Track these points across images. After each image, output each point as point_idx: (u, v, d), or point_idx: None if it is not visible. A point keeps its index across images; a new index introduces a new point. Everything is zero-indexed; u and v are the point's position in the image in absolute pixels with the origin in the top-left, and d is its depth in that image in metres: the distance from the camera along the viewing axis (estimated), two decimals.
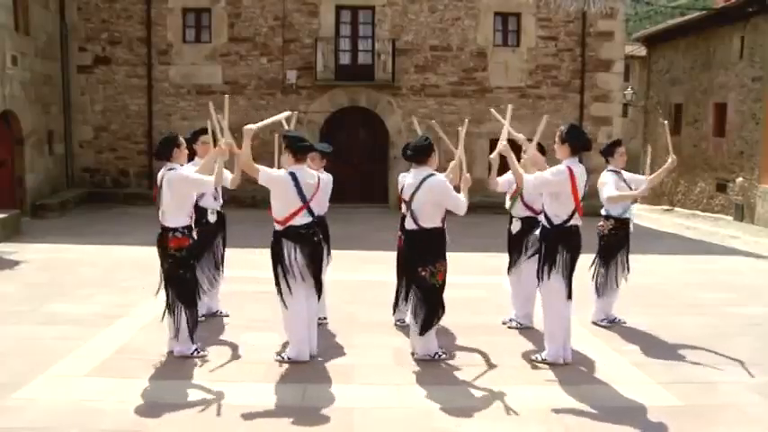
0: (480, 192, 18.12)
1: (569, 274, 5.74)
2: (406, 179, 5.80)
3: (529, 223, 6.67)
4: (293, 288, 5.57)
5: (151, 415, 4.63)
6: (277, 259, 5.58)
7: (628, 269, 7.04)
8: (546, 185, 5.68)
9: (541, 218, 5.91)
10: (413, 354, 5.87)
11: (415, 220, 5.64)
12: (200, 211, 6.53)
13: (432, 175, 5.61)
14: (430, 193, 5.55)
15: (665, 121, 7.08)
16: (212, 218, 6.75)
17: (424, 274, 5.61)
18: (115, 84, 17.92)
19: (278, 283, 5.62)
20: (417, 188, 5.59)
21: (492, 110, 6.75)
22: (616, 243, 6.94)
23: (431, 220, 5.62)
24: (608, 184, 6.70)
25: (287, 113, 6.26)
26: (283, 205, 5.54)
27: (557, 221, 5.71)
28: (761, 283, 9.68)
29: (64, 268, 9.41)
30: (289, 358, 5.70)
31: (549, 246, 5.75)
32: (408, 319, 6.00)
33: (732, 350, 6.30)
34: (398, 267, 6.37)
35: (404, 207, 5.82)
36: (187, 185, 5.64)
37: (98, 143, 18.12)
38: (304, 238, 5.58)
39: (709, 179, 20.96)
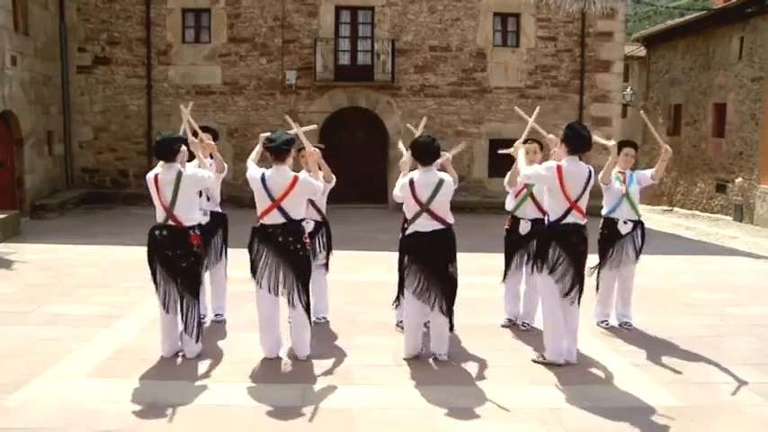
0: (480, 192, 18.22)
1: (564, 274, 5.72)
2: (418, 180, 5.64)
3: (538, 225, 6.59)
4: (256, 286, 5.77)
5: (150, 415, 4.63)
6: (249, 254, 5.76)
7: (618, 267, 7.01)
8: (538, 179, 5.81)
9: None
10: (416, 356, 5.87)
11: (440, 220, 5.63)
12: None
13: (443, 176, 5.68)
14: (448, 192, 5.65)
15: (642, 111, 7.07)
16: (203, 219, 6.52)
17: (451, 270, 5.69)
18: (115, 84, 17.92)
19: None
20: (437, 190, 5.57)
21: (516, 108, 6.80)
22: (603, 243, 6.92)
23: (451, 216, 5.73)
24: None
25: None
26: (258, 203, 5.73)
27: (552, 218, 5.75)
28: (760, 284, 9.69)
29: (63, 269, 9.40)
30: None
31: (540, 242, 5.82)
32: (404, 318, 6.02)
33: (732, 350, 6.31)
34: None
35: (411, 209, 5.70)
36: (201, 183, 5.78)
37: (97, 143, 18.11)
38: (269, 237, 5.65)
39: (709, 179, 20.99)
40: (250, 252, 5.72)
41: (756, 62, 18.68)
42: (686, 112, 22.25)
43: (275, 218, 5.61)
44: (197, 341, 5.77)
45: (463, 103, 18.12)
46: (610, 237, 6.88)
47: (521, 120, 6.25)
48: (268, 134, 5.88)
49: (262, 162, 6.01)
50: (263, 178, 5.61)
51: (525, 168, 5.85)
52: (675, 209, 22.32)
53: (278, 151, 5.63)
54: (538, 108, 6.35)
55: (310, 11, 17.80)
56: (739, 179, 19.28)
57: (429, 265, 5.65)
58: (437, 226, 5.63)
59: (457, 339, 6.41)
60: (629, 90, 26.21)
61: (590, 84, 18.41)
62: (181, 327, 5.78)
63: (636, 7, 32.16)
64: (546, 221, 5.86)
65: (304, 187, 5.66)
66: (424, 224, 5.63)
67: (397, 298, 6.15)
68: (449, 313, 5.73)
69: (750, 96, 18.94)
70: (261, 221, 5.67)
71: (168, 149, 5.61)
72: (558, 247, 5.68)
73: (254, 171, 5.75)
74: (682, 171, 22.21)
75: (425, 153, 5.64)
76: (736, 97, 19.60)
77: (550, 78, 18.32)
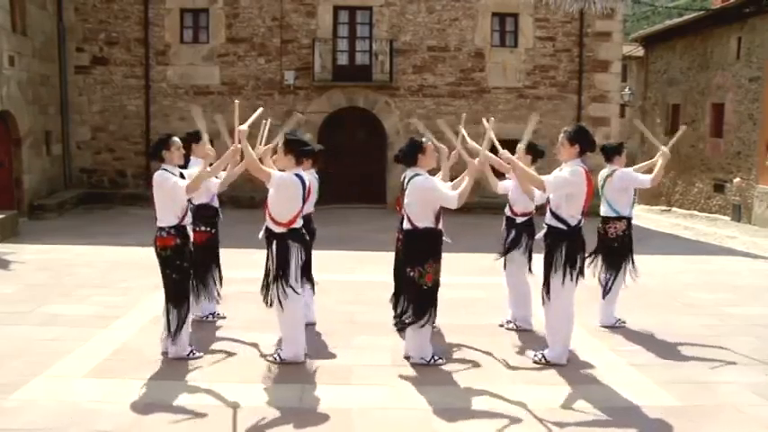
0: (478, 192, 18.18)
1: (579, 275, 5.79)
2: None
3: (507, 222, 6.80)
4: (295, 289, 5.57)
5: (149, 416, 4.62)
6: (284, 261, 5.54)
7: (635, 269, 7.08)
8: (567, 186, 5.61)
9: (549, 220, 5.84)
10: (407, 357, 5.85)
11: (408, 221, 5.63)
12: (214, 211, 6.69)
13: (417, 175, 5.59)
14: (415, 193, 5.53)
15: (684, 126, 7.13)
16: (221, 216, 6.86)
17: (412, 274, 5.58)
18: (113, 84, 17.91)
19: (276, 285, 5.57)
20: (404, 188, 5.63)
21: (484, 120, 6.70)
22: (629, 244, 6.95)
23: (422, 220, 5.57)
24: (636, 174, 6.87)
25: (260, 110, 6.11)
26: (289, 207, 5.55)
27: (574, 222, 5.69)
28: (759, 284, 9.69)
29: (62, 269, 9.39)
30: (283, 359, 5.69)
31: (570, 247, 5.68)
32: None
33: (731, 350, 6.31)
34: (394, 268, 6.39)
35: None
36: (165, 187, 5.59)
37: (96, 144, 18.10)
38: (303, 238, 5.66)
39: (707, 179, 21.00)
40: (289, 257, 5.53)
41: (754, 62, 18.70)
42: (684, 112, 22.26)
43: (300, 220, 5.64)
44: (172, 343, 5.71)
45: (462, 103, 18.10)
46: (631, 237, 6.96)
47: (519, 121, 6.24)
48: (244, 126, 5.60)
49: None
50: (303, 182, 5.53)
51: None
52: (673, 209, 22.33)
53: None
54: (533, 116, 6.36)
55: (308, 11, 17.80)
56: (737, 179, 19.30)
57: (399, 263, 5.78)
58: (407, 226, 5.65)
59: (456, 339, 6.42)
60: (627, 90, 26.24)
61: (588, 84, 18.42)
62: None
63: (634, 7, 32.18)
64: (565, 225, 5.71)
65: (316, 187, 5.82)
66: (405, 222, 5.72)
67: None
68: (410, 317, 5.63)
69: (748, 96, 18.96)
70: (293, 225, 5.57)
71: (153, 151, 5.77)
72: (582, 251, 5.75)
73: (286, 175, 5.52)
74: (680, 171, 22.22)
75: (402, 156, 5.73)
76: (734, 97, 19.61)
77: (549, 78, 18.34)
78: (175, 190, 5.54)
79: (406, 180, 5.64)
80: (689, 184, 22.00)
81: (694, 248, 13.58)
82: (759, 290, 9.20)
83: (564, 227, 5.71)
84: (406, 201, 5.62)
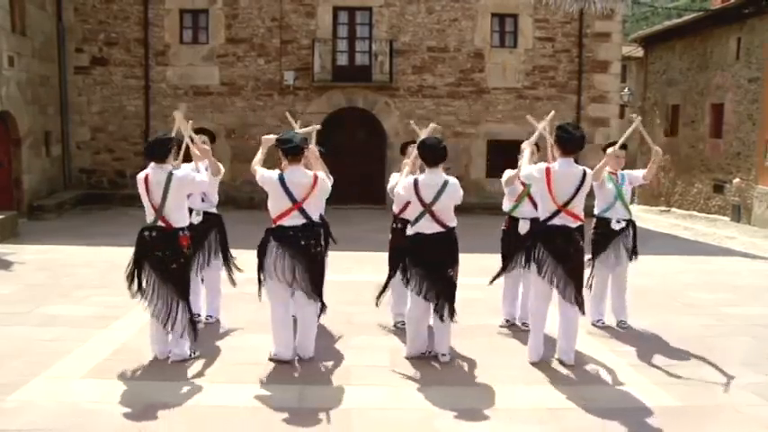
0: (477, 193, 18.22)
1: (552, 274, 5.69)
2: (422, 180, 5.61)
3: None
4: (269, 287, 5.62)
5: (148, 417, 4.62)
6: (260, 256, 5.62)
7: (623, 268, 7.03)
8: (530, 179, 5.89)
9: None
10: (407, 358, 5.84)
11: (440, 223, 5.58)
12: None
13: (448, 178, 5.64)
14: (453, 195, 5.58)
15: (638, 116, 7.04)
16: (196, 219, 6.51)
17: (452, 273, 5.66)
18: (112, 85, 17.92)
19: (258, 280, 5.68)
20: (441, 191, 5.52)
21: (529, 117, 6.84)
22: (596, 242, 6.92)
23: (453, 220, 5.69)
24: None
25: (308, 128, 6.27)
26: (272, 204, 5.60)
27: (541, 218, 5.82)
28: (758, 284, 9.69)
29: (61, 269, 9.39)
30: (273, 356, 5.74)
31: (528, 242, 5.91)
32: (407, 319, 5.95)
33: (730, 351, 6.31)
34: (395, 267, 6.19)
35: (415, 210, 5.67)
36: (192, 186, 5.73)
37: (95, 144, 18.11)
38: (290, 239, 5.54)
39: (706, 180, 21.01)
40: (263, 254, 5.56)
41: (753, 63, 18.71)
42: (684, 113, 22.27)
43: (295, 219, 5.53)
44: (190, 343, 5.71)
45: (461, 103, 18.13)
46: (604, 236, 6.90)
47: (518, 121, 6.30)
48: (272, 135, 5.88)
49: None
50: (281, 180, 5.49)
51: (525, 168, 5.94)
52: (673, 209, 22.33)
53: (295, 151, 5.55)
54: (552, 113, 6.48)
55: (308, 11, 17.81)
56: (737, 179, 19.31)
57: (429, 267, 5.64)
58: (438, 228, 5.59)
59: (455, 340, 6.41)
60: (626, 90, 26.24)
61: (588, 84, 18.44)
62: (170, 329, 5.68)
63: (634, 8, 32.21)
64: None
65: (324, 186, 5.68)
66: (427, 226, 5.60)
67: (380, 296, 6.21)
68: (449, 313, 5.68)
69: (747, 97, 18.97)
70: (279, 223, 5.54)
71: (160, 150, 5.59)
72: (541, 248, 5.70)
73: (268, 173, 5.60)
74: (679, 171, 22.23)
75: (432, 154, 5.61)
76: (733, 97, 19.62)
77: (548, 79, 18.35)
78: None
79: (441, 183, 5.53)
80: (688, 184, 22.01)
81: (694, 249, 13.58)
82: (758, 290, 9.20)
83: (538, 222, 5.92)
84: (439, 202, 5.54)
